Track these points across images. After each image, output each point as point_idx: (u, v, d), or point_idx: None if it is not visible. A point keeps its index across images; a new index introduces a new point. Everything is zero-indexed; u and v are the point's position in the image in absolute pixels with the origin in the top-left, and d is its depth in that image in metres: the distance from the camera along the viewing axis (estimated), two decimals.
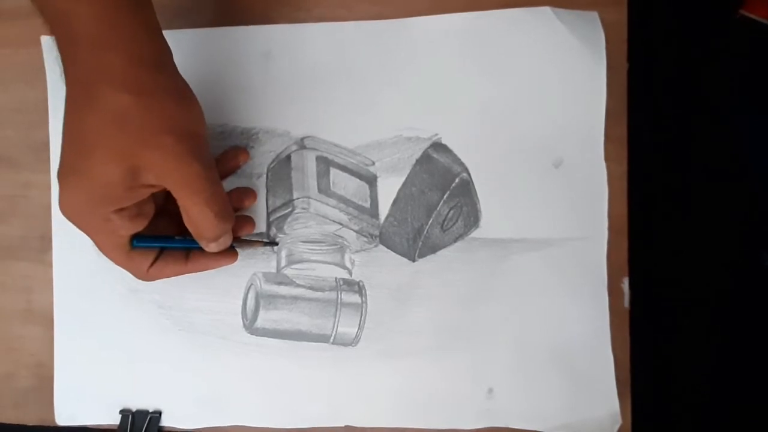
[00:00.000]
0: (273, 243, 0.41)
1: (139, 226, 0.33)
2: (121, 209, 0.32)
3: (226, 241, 0.36)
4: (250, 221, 0.40)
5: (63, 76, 0.31)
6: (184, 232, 0.35)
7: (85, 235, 0.33)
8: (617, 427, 0.40)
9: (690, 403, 0.41)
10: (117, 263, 0.35)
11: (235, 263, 0.39)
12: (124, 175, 0.30)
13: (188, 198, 0.32)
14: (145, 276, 0.36)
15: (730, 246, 0.41)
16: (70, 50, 0.30)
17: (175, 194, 0.32)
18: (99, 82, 0.29)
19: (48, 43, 0.42)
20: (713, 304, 0.41)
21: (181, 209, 0.33)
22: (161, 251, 0.36)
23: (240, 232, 0.39)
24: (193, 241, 0.35)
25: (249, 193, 0.40)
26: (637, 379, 0.40)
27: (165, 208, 0.36)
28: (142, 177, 0.30)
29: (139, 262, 0.35)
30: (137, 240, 0.34)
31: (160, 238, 0.35)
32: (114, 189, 0.30)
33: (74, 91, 0.30)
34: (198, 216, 0.33)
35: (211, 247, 0.35)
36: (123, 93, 0.29)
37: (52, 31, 0.30)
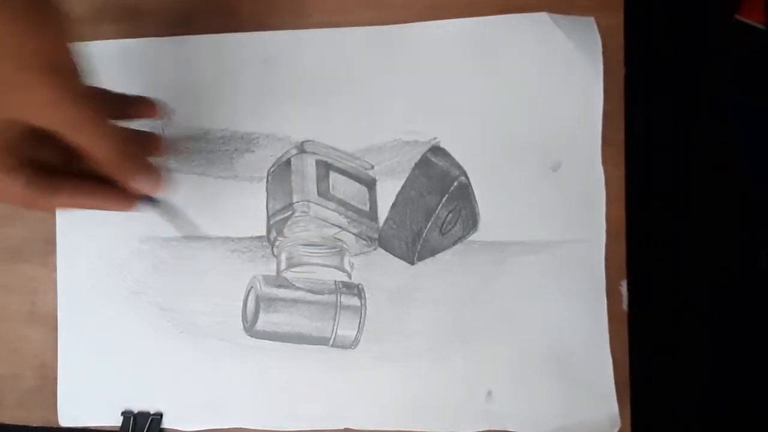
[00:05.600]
0: (197, 230, 0.38)
1: (14, 158, 0.29)
2: None
3: (149, 179, 0.32)
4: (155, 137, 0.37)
5: None
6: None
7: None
8: (616, 429, 0.40)
9: (689, 405, 0.41)
10: None
11: (235, 267, 0.39)
12: None
13: (80, 138, 0.29)
14: (34, 204, 0.31)
15: (729, 248, 0.41)
16: None
17: (65, 135, 0.29)
18: None
19: None
20: (712, 306, 0.41)
21: (78, 149, 0.30)
22: (60, 182, 0.32)
23: (149, 148, 0.36)
24: None
25: (153, 140, 0.37)
26: (636, 381, 0.40)
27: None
28: (16, 116, 0.27)
29: (11, 190, 0.30)
30: None
31: None
32: None
33: None
34: (98, 154, 0.30)
35: (137, 184, 0.32)
36: None
37: None
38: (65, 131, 0.29)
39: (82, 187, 0.32)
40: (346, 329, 0.41)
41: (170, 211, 0.37)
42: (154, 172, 0.33)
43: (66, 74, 0.28)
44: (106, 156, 0.30)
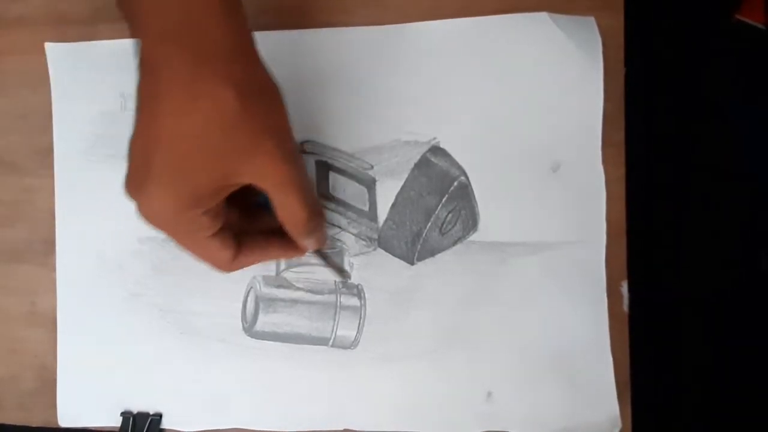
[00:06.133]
0: (346, 275, 0.41)
1: (220, 222, 0.32)
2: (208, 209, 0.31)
3: (322, 237, 0.35)
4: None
5: (138, 69, 0.28)
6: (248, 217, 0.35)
7: (164, 234, 0.31)
8: (617, 430, 0.40)
9: (690, 405, 0.41)
10: (200, 258, 0.33)
11: None
12: (221, 180, 0.29)
13: (286, 197, 0.31)
14: (230, 267, 0.34)
15: (730, 248, 0.41)
16: (158, 37, 0.27)
17: (270, 193, 0.31)
18: (204, 79, 0.27)
19: (52, 50, 0.43)
20: (713, 307, 0.41)
21: (276, 207, 0.31)
22: (240, 241, 0.34)
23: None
24: None
25: None
26: (636, 382, 0.40)
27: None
28: (236, 179, 0.29)
29: (222, 254, 0.33)
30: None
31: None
32: (207, 193, 0.29)
33: (169, 86, 0.27)
34: (295, 214, 0.31)
35: (310, 243, 0.34)
36: (228, 91, 0.27)
37: (139, 25, 0.28)
38: (276, 190, 0.30)
39: (266, 244, 0.35)
40: (345, 329, 0.41)
41: (323, 256, 0.39)
42: (324, 233, 0.35)
43: (286, 137, 0.30)
44: (300, 217, 0.32)
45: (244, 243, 0.34)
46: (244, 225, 0.34)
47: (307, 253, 0.37)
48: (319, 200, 0.34)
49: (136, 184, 0.29)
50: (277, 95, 0.30)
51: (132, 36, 0.28)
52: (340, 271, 0.41)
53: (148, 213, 0.30)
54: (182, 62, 0.27)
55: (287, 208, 0.31)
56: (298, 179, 0.30)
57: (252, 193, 0.31)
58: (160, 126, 0.28)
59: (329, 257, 0.40)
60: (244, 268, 0.35)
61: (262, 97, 0.29)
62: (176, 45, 0.27)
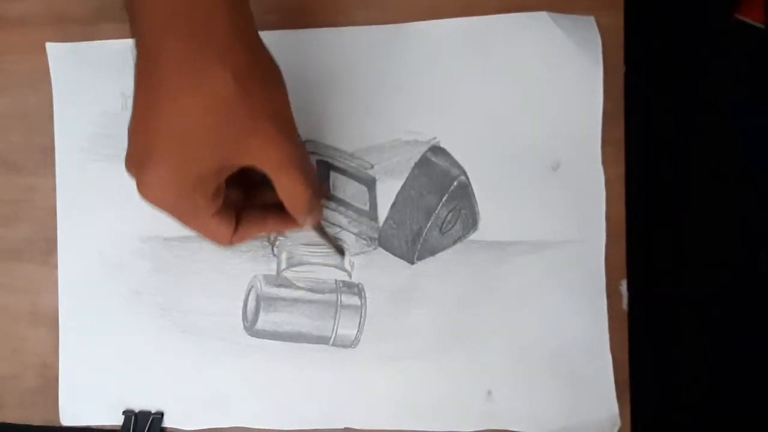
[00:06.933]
0: (341, 251, 0.41)
1: (220, 201, 0.32)
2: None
3: (320, 214, 0.36)
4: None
5: (135, 53, 0.28)
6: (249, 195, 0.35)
7: (167, 216, 0.32)
8: (616, 429, 0.40)
9: (689, 404, 0.41)
10: (201, 234, 0.33)
11: (236, 267, 0.40)
12: (221, 162, 0.29)
13: (287, 179, 0.31)
14: (230, 242, 0.34)
15: (729, 248, 0.41)
16: (162, 23, 0.27)
17: (271, 175, 0.31)
18: (205, 62, 0.27)
19: (53, 50, 0.43)
20: (712, 306, 0.41)
21: (278, 187, 0.32)
22: (239, 216, 0.34)
23: None
24: None
25: None
26: (636, 381, 0.40)
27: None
28: (236, 161, 0.30)
29: (224, 230, 0.33)
30: None
31: None
32: (208, 175, 0.29)
33: (169, 68, 0.27)
34: (296, 194, 0.32)
35: (308, 222, 0.35)
36: (229, 74, 0.27)
37: (141, 6, 0.28)
38: (276, 171, 0.31)
39: (264, 219, 0.35)
40: (346, 328, 0.41)
41: (321, 231, 0.39)
42: (321, 210, 0.36)
43: (286, 120, 0.31)
44: (301, 197, 0.32)
45: (242, 217, 0.34)
46: (244, 200, 0.35)
47: (305, 229, 0.37)
48: (316, 177, 0.34)
49: (136, 165, 0.29)
50: (278, 79, 0.31)
51: (130, 18, 0.28)
52: (337, 246, 0.41)
53: (148, 194, 0.30)
54: (184, 45, 0.27)
55: (288, 189, 0.32)
56: (298, 160, 0.31)
57: (251, 169, 0.31)
58: (160, 108, 0.28)
59: (326, 232, 0.40)
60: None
61: (263, 81, 0.29)
62: (179, 28, 0.27)
